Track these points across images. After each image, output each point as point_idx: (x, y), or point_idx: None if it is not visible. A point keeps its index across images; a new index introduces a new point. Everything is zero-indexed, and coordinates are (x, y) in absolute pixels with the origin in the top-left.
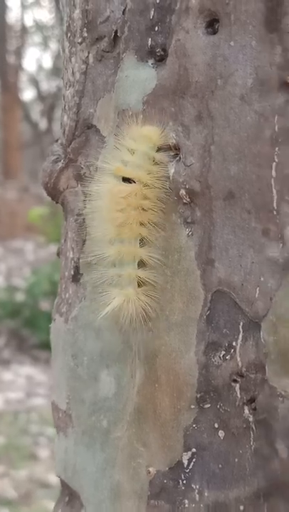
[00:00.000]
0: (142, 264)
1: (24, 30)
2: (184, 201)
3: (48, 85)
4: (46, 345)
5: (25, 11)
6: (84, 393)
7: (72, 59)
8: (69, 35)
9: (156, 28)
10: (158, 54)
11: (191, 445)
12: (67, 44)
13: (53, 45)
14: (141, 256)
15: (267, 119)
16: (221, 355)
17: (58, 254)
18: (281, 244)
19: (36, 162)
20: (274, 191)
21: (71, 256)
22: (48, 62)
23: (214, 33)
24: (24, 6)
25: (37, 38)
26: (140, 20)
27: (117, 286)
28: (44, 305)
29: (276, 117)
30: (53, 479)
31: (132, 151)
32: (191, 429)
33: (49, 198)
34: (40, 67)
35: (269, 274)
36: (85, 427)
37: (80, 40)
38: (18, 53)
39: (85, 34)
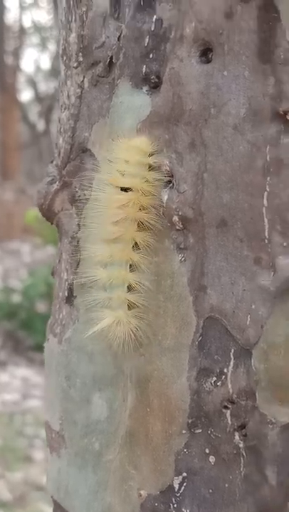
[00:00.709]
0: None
1: (22, 31)
2: (177, 227)
3: (45, 86)
4: (42, 347)
5: (24, 12)
6: (76, 415)
7: (68, 82)
8: (65, 58)
9: (151, 56)
10: (152, 81)
11: (182, 469)
12: (63, 67)
13: (51, 47)
14: (129, 281)
15: (259, 149)
16: (213, 382)
17: (53, 274)
18: (272, 273)
19: (34, 163)
20: (265, 220)
21: (65, 277)
22: (46, 64)
23: (208, 61)
24: (22, 7)
25: (35, 39)
26: (135, 47)
27: (108, 308)
28: (40, 307)
29: (268, 147)
30: None
31: (126, 162)
32: (182, 453)
33: None
34: (38, 69)
35: (260, 302)
36: (77, 449)
37: (75, 65)
38: (16, 54)
39: (81, 59)
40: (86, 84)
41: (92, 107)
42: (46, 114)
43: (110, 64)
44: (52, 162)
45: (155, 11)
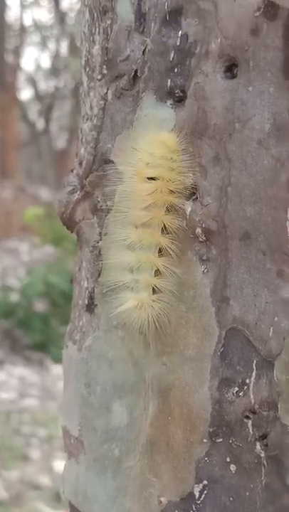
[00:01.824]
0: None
1: (23, 29)
2: (200, 239)
3: (45, 85)
4: (39, 346)
5: (25, 11)
6: (96, 422)
7: (91, 93)
8: (87, 69)
9: (176, 70)
10: (177, 95)
11: (202, 477)
12: (85, 78)
13: (52, 45)
14: (158, 265)
15: (283, 164)
16: (234, 392)
17: (72, 281)
18: None
19: (33, 162)
20: None
21: (86, 285)
22: (46, 62)
23: (233, 77)
24: (23, 6)
25: (35, 38)
26: (160, 61)
27: (132, 290)
28: (38, 306)
29: None
30: (45, 481)
31: (151, 154)
32: (203, 462)
33: (45, 199)
34: (38, 67)
35: (283, 314)
36: (96, 455)
37: (99, 77)
38: (17, 53)
39: (105, 71)
40: (110, 97)
41: (116, 118)
42: (46, 113)
43: (135, 77)
44: (72, 171)
45: (181, 26)
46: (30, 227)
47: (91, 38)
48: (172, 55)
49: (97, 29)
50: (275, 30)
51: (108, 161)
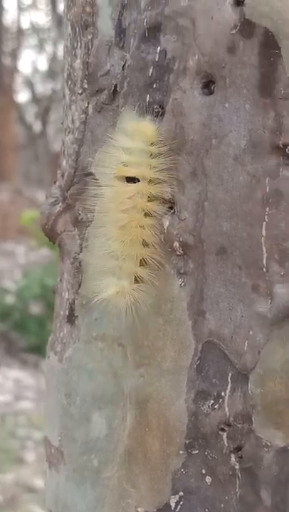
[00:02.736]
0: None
1: (20, 32)
2: (178, 253)
3: (43, 88)
4: (35, 349)
5: (22, 13)
6: (76, 432)
7: (72, 107)
8: (69, 83)
9: (155, 86)
10: (156, 110)
11: (179, 489)
12: (67, 91)
13: (49, 48)
14: (143, 255)
15: (259, 180)
16: (210, 404)
17: (54, 291)
18: (270, 301)
19: (30, 164)
20: (264, 249)
21: (66, 296)
22: (43, 65)
23: (210, 93)
24: (21, 8)
25: (33, 41)
26: (139, 76)
27: (114, 276)
28: (34, 308)
29: (267, 179)
30: (39, 483)
31: (128, 150)
32: (179, 473)
33: (42, 202)
34: (35, 70)
35: (258, 328)
36: (76, 465)
37: (80, 91)
38: (14, 55)
39: (86, 85)
40: (90, 111)
41: (96, 132)
42: (43, 115)
43: (114, 92)
44: (55, 183)
45: (159, 43)
46: (27, 230)
47: (73, 52)
48: (151, 70)
49: (79, 43)
50: (251, 47)
51: (89, 174)
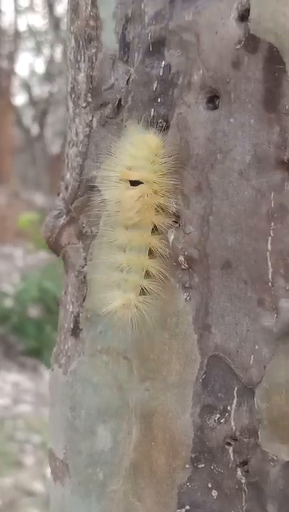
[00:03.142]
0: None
1: (17, 34)
2: (183, 267)
3: (40, 90)
4: (34, 352)
5: (19, 16)
6: (81, 445)
7: (76, 120)
8: (73, 96)
9: (159, 100)
10: (160, 124)
11: (185, 502)
12: (71, 104)
13: (46, 51)
14: (148, 267)
15: (264, 195)
16: (216, 419)
17: (58, 304)
18: (275, 315)
19: (27, 167)
20: (269, 264)
21: (71, 309)
22: (40, 68)
23: (215, 108)
24: (18, 11)
25: (30, 43)
26: (144, 91)
27: (120, 289)
28: (32, 311)
29: (272, 194)
30: (38, 487)
31: (133, 157)
32: (185, 487)
33: (39, 204)
34: (32, 72)
35: (263, 342)
36: (81, 478)
37: (84, 105)
38: (11, 58)
39: (90, 99)
40: (95, 124)
41: (101, 146)
42: (40, 118)
43: (119, 106)
44: (58, 195)
45: (164, 57)
46: (25, 233)
47: (76, 66)
48: (155, 85)
49: (83, 57)
50: (255, 62)
51: (93, 187)
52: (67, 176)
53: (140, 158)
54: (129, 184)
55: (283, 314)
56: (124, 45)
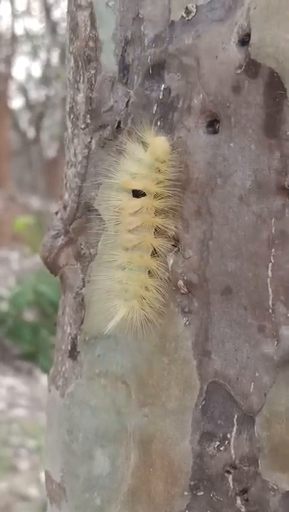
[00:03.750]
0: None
1: (14, 38)
2: (182, 291)
3: (36, 94)
4: (29, 356)
5: (16, 20)
6: (78, 469)
7: (75, 140)
8: (72, 116)
9: (159, 123)
10: None
11: None
12: (69, 124)
13: (43, 55)
14: (147, 285)
15: (264, 220)
16: (216, 446)
17: (55, 324)
18: (276, 342)
19: (24, 171)
20: (270, 290)
21: (68, 331)
22: (37, 71)
23: (215, 132)
24: (15, 15)
25: (27, 47)
26: (143, 114)
27: (121, 297)
28: (28, 315)
29: (273, 220)
30: (33, 492)
31: (139, 160)
32: None
33: (36, 208)
34: (29, 76)
35: (264, 370)
36: (78, 503)
37: (83, 126)
38: (8, 62)
39: (89, 120)
40: (93, 146)
41: (99, 168)
42: (37, 121)
43: (118, 128)
44: (56, 214)
45: (164, 80)
46: (21, 236)
47: (75, 86)
48: (155, 108)
49: (82, 77)
50: (256, 87)
51: (92, 209)
52: (66, 196)
53: (144, 164)
54: (131, 193)
55: (284, 342)
56: (124, 67)
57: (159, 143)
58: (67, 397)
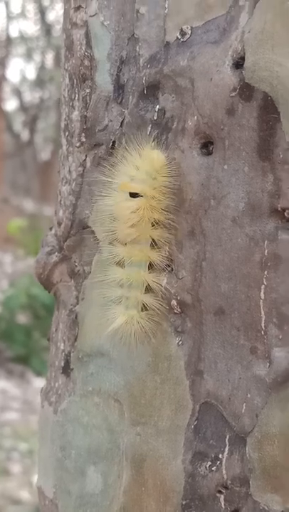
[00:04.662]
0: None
1: (9, 40)
2: (175, 311)
3: (31, 96)
4: (21, 359)
5: (11, 22)
6: (71, 485)
7: (70, 158)
8: (66, 134)
9: (153, 144)
10: None
11: None
12: (64, 142)
13: (37, 57)
14: (148, 281)
15: (257, 243)
16: (207, 466)
17: (48, 339)
18: (268, 364)
19: (17, 173)
20: (262, 312)
21: (62, 348)
22: (31, 74)
23: (209, 154)
24: (9, 17)
25: (21, 49)
26: (137, 134)
27: (121, 306)
28: (21, 318)
29: (266, 242)
30: (25, 495)
31: (137, 167)
32: None
33: (29, 211)
34: (23, 78)
35: (256, 391)
36: None
37: (78, 144)
38: (2, 64)
39: (83, 139)
40: (88, 164)
41: (94, 186)
42: (31, 124)
43: (113, 147)
44: (50, 230)
45: (158, 101)
46: (14, 239)
47: (70, 104)
48: (149, 129)
49: (77, 95)
50: (250, 110)
51: (86, 227)
52: (60, 213)
53: (143, 171)
54: (128, 195)
55: (276, 364)
56: (119, 87)
57: (155, 155)
58: (60, 414)
